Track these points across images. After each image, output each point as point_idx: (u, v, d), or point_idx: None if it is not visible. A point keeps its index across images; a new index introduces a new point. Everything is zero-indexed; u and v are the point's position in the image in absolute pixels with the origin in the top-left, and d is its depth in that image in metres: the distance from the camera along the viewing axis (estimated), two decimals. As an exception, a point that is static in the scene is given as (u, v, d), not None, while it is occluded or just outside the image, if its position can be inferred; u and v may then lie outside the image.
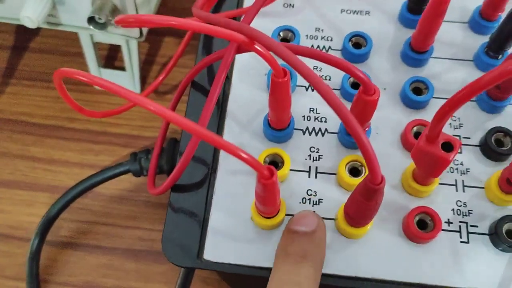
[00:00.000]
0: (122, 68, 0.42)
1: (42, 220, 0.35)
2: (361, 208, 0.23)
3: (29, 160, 0.41)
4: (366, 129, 0.27)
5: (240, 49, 0.24)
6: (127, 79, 0.42)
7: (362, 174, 0.27)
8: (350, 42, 0.30)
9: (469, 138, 0.28)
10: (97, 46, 0.40)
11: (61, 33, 0.42)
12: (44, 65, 0.45)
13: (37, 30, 0.46)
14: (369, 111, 0.25)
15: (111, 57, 0.45)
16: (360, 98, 0.24)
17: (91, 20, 0.32)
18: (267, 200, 0.23)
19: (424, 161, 0.24)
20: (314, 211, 0.26)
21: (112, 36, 0.37)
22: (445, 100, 0.27)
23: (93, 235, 0.38)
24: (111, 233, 0.38)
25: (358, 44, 0.30)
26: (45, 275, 0.37)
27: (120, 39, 0.38)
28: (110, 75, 0.42)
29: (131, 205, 0.39)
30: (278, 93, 0.24)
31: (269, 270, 0.24)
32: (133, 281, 0.36)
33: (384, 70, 0.30)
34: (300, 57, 0.21)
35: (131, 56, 0.40)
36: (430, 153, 0.23)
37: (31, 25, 0.32)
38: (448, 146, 0.23)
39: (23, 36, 0.46)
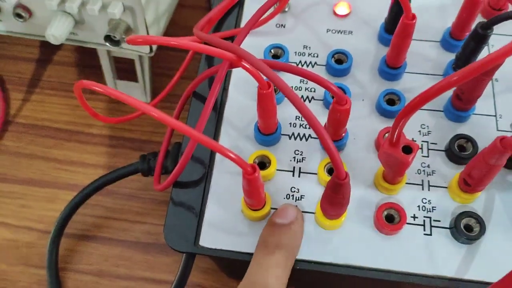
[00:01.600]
0: (135, 80, 0.46)
1: (61, 215, 0.39)
2: (332, 201, 0.27)
3: (50, 161, 0.45)
4: (343, 134, 0.31)
5: (231, 65, 0.28)
6: (139, 90, 0.46)
7: (339, 174, 0.30)
8: (332, 59, 0.34)
9: (436, 143, 0.32)
10: (113, 60, 0.45)
11: (81, 48, 0.46)
12: (65, 76, 0.50)
13: (60, 45, 0.51)
14: (343, 119, 0.29)
15: (126, 70, 0.49)
16: (334, 108, 0.28)
17: (107, 38, 0.36)
18: (252, 193, 0.27)
19: (388, 162, 0.27)
20: (296, 206, 0.30)
21: (126, 51, 0.41)
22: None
23: (106, 228, 0.42)
24: (122, 227, 0.42)
25: (340, 60, 0.34)
26: (63, 263, 0.41)
27: (133, 54, 0.43)
28: (124, 86, 0.47)
29: (140, 203, 0.43)
30: (264, 102, 0.28)
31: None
32: (141, 270, 0.40)
33: (363, 83, 0.34)
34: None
35: (143, 69, 0.44)
36: (392, 155, 0.26)
37: (55, 41, 0.37)
38: (408, 149, 0.26)
39: (48, 50, 0.51)
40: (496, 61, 0.19)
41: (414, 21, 0.29)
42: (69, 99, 0.48)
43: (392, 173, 0.29)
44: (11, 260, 0.41)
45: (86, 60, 0.50)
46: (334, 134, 0.30)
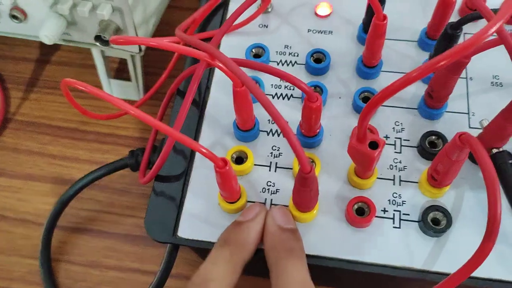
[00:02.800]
0: (129, 79, 0.48)
1: (53, 209, 0.41)
2: (300, 194, 0.28)
3: (46, 157, 0.47)
4: (318, 130, 0.32)
5: (209, 65, 0.30)
6: (132, 88, 0.48)
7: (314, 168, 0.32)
8: (311, 58, 0.35)
9: (408, 140, 0.33)
10: (107, 59, 0.47)
11: (77, 48, 0.48)
12: (62, 75, 0.51)
13: (58, 46, 0.53)
14: (315, 115, 0.30)
15: (120, 69, 0.51)
16: (306, 105, 0.29)
17: (97, 38, 0.38)
18: (224, 186, 0.28)
19: (356, 157, 0.28)
20: (263, 204, 0.31)
21: (118, 51, 0.43)
22: (391, 108, 0.32)
23: (98, 221, 0.44)
24: (113, 220, 0.44)
25: (318, 59, 0.36)
26: (56, 254, 0.43)
27: (125, 54, 0.44)
28: (118, 85, 0.48)
29: (131, 197, 0.45)
30: (239, 100, 0.30)
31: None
32: (130, 262, 0.42)
33: (341, 82, 0.35)
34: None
35: (136, 69, 0.46)
36: (359, 150, 0.27)
37: (48, 41, 0.38)
38: (374, 145, 0.27)
39: (46, 50, 0.53)
40: (450, 58, 0.20)
41: (385, 22, 0.30)
42: (65, 98, 0.50)
43: (361, 168, 0.30)
44: (7, 251, 0.43)
45: (82, 60, 0.52)
46: (308, 130, 0.31)
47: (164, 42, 0.27)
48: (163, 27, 0.47)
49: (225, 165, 0.26)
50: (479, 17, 0.31)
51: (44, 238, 0.41)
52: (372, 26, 0.31)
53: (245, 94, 0.29)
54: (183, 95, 0.36)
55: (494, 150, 0.30)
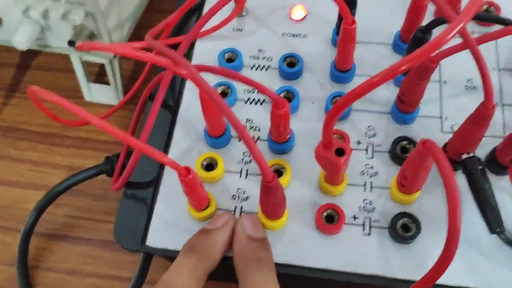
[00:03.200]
0: (108, 83, 0.48)
1: (30, 215, 0.40)
2: (266, 203, 0.28)
3: (26, 163, 0.47)
4: (288, 136, 0.32)
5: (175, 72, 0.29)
6: (112, 92, 0.48)
7: (284, 175, 0.31)
8: (284, 62, 0.35)
9: (381, 145, 0.32)
10: (85, 64, 0.46)
11: (59, 54, 0.48)
12: (43, 80, 0.51)
13: (39, 51, 0.53)
14: (284, 122, 0.30)
15: (101, 73, 0.51)
16: (273, 111, 0.29)
17: (71, 43, 0.38)
18: (189, 194, 0.28)
19: (323, 164, 0.28)
20: (232, 213, 0.31)
21: (96, 56, 0.42)
22: (364, 113, 0.32)
23: (77, 228, 0.44)
24: (92, 227, 0.43)
25: (292, 63, 0.35)
26: (34, 261, 0.42)
27: (103, 59, 0.44)
28: (98, 89, 0.48)
29: (109, 203, 0.44)
30: (206, 106, 0.29)
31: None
32: (108, 268, 0.42)
33: (314, 86, 0.35)
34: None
35: (114, 73, 0.46)
36: (325, 157, 0.27)
37: (20, 47, 0.38)
38: (340, 152, 0.27)
39: (27, 55, 0.53)
40: (411, 63, 0.20)
41: (354, 26, 0.30)
42: (46, 103, 0.50)
43: (329, 175, 0.29)
44: (-15, 258, 0.43)
45: (63, 64, 0.51)
46: (278, 136, 0.31)
47: (130, 50, 0.27)
48: (143, 30, 0.47)
49: (188, 174, 0.26)
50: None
51: (21, 245, 0.41)
52: (341, 31, 0.31)
53: (210, 101, 0.29)
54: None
55: (464, 156, 0.29)
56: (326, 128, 0.26)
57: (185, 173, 0.26)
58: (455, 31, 0.20)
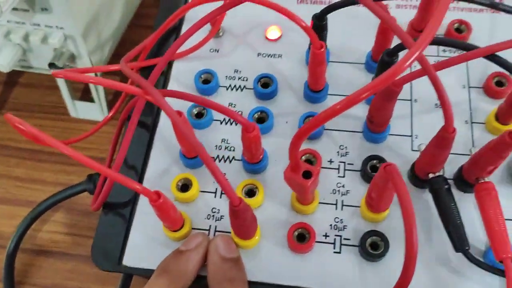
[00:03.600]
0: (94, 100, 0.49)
1: (16, 232, 0.41)
2: (235, 225, 0.28)
3: (12, 179, 0.48)
4: (261, 156, 0.32)
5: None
6: (97, 109, 0.48)
7: (256, 195, 0.32)
8: (259, 83, 0.36)
9: (352, 164, 0.33)
10: (69, 82, 0.47)
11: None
12: (30, 97, 0.52)
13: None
14: (254, 144, 0.30)
15: (86, 89, 0.52)
16: (243, 135, 0.29)
17: (51, 65, 0.38)
18: (162, 217, 0.29)
19: (292, 185, 0.29)
20: (206, 234, 0.31)
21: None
22: (336, 132, 0.32)
23: (62, 243, 0.45)
24: (77, 242, 0.44)
25: (266, 84, 0.36)
26: (20, 277, 0.43)
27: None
28: (83, 106, 0.49)
29: (94, 218, 0.45)
30: (176, 130, 0.30)
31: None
32: (92, 283, 0.43)
33: (289, 106, 0.36)
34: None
35: (98, 90, 0.47)
36: (293, 179, 0.28)
37: (3, 70, 0.39)
38: (308, 174, 0.28)
39: (15, 73, 0.53)
40: (370, 91, 0.20)
41: (322, 50, 0.31)
42: (33, 119, 0.51)
43: (299, 196, 0.30)
44: (-28, 274, 0.44)
45: (50, 82, 0.52)
46: (251, 158, 0.32)
47: (100, 78, 0.28)
48: (128, 46, 0.47)
49: (158, 198, 0.27)
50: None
51: (7, 261, 0.42)
52: (310, 55, 0.31)
53: (182, 124, 0.30)
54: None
55: (431, 175, 0.30)
56: (292, 153, 0.26)
57: (155, 198, 0.27)
58: (412, 59, 0.20)
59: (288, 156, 0.27)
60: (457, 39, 0.29)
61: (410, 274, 0.23)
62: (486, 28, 0.38)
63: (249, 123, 0.29)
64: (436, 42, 0.29)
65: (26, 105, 0.52)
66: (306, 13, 0.33)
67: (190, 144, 0.25)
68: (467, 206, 0.31)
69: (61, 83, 0.47)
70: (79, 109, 0.49)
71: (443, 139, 0.27)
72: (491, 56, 0.26)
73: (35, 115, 0.51)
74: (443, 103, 0.26)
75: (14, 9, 0.36)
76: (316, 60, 0.31)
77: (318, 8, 0.33)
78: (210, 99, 0.36)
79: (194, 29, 0.33)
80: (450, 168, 0.32)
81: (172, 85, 0.37)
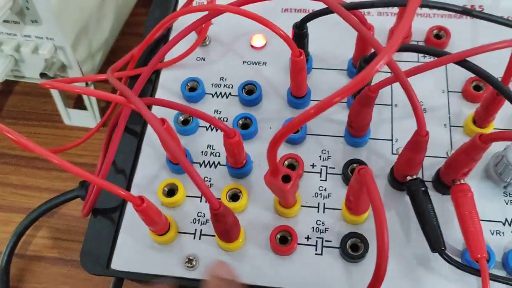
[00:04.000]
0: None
1: (10, 238, 0.42)
2: (217, 228, 0.29)
3: (7, 186, 0.49)
4: (244, 161, 0.33)
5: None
6: (89, 116, 0.50)
7: (240, 199, 0.33)
8: (243, 90, 0.37)
9: (334, 168, 0.34)
10: (63, 91, 0.48)
11: (38, 79, 0.50)
12: (25, 105, 0.53)
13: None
14: (237, 149, 0.31)
15: (80, 97, 0.53)
16: (225, 141, 0.30)
17: (43, 75, 0.40)
18: (147, 221, 0.30)
19: (273, 189, 0.30)
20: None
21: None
22: (319, 136, 0.33)
23: (56, 249, 0.45)
24: (71, 247, 0.45)
25: (250, 91, 0.37)
26: (16, 282, 0.44)
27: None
28: (76, 114, 0.50)
29: (87, 223, 0.46)
30: (160, 137, 0.31)
31: (161, 277, 0.31)
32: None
33: (273, 112, 0.37)
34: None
35: (90, 99, 0.48)
36: (273, 183, 0.29)
37: (-4, 80, 0.40)
38: (287, 178, 0.29)
39: (11, 82, 0.55)
40: (342, 96, 0.21)
41: (301, 57, 0.32)
42: (28, 127, 0.52)
43: (280, 199, 0.31)
44: (-32, 280, 0.45)
45: (43, 90, 0.53)
46: (234, 162, 0.33)
47: (87, 88, 0.29)
48: (121, 54, 0.49)
49: (142, 203, 0.28)
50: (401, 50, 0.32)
51: (3, 266, 0.43)
52: (290, 62, 0.32)
53: (167, 131, 0.31)
54: (126, 129, 0.37)
55: (408, 178, 0.31)
56: (270, 158, 0.27)
57: (138, 203, 0.28)
58: (380, 63, 0.21)
59: (267, 162, 0.28)
60: (428, 46, 0.30)
61: (382, 275, 0.24)
62: (465, 34, 0.38)
63: (230, 129, 0.30)
64: (408, 49, 0.29)
65: (22, 113, 0.53)
66: (290, 22, 0.34)
67: (169, 150, 0.26)
68: (446, 207, 0.32)
69: (54, 91, 0.48)
70: (72, 117, 0.50)
71: (417, 143, 0.28)
72: (462, 62, 0.27)
73: (30, 123, 0.52)
74: (415, 107, 0.27)
75: (5, 21, 0.37)
76: (296, 67, 0.32)
77: (301, 16, 0.34)
78: (196, 106, 0.37)
79: (177, 39, 0.34)
80: (430, 170, 0.33)
81: (160, 93, 0.38)
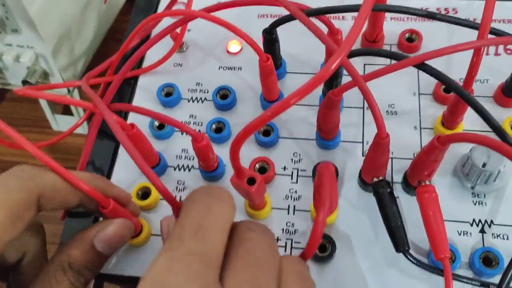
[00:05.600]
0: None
1: None
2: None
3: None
4: (215, 164, 0.34)
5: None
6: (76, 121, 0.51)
7: (212, 202, 0.34)
8: (218, 95, 0.37)
9: (305, 170, 0.35)
10: (49, 97, 0.50)
11: (25, 86, 0.51)
12: (16, 112, 0.55)
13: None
14: (205, 153, 0.32)
15: (67, 105, 0.54)
16: (194, 145, 0.31)
17: (25, 82, 0.41)
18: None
19: (240, 191, 0.30)
20: None
21: (55, 90, 0.45)
22: (291, 139, 0.34)
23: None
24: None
25: (225, 95, 0.38)
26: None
27: (63, 91, 0.47)
28: (64, 120, 0.51)
29: (73, 228, 0.47)
30: (134, 142, 0.32)
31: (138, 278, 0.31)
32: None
33: (246, 116, 0.37)
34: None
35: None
36: (239, 186, 0.29)
37: (-20, 88, 0.41)
38: (251, 181, 0.29)
39: (1, 90, 0.56)
40: (298, 97, 0.22)
41: (269, 62, 0.32)
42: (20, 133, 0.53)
43: (248, 201, 0.32)
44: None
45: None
46: (205, 166, 0.34)
47: (60, 96, 0.30)
48: (105, 59, 0.50)
49: (109, 206, 0.28)
50: (359, 53, 0.33)
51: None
52: (259, 68, 0.33)
53: (135, 137, 0.32)
54: (104, 133, 0.38)
55: (375, 179, 0.31)
56: (232, 161, 0.28)
57: (108, 204, 0.28)
58: (334, 65, 0.22)
59: (231, 164, 0.28)
60: (385, 49, 0.30)
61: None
62: (439, 36, 0.39)
63: (198, 134, 0.31)
64: (374, 53, 0.30)
65: (12, 119, 0.54)
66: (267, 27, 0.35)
67: (129, 155, 0.26)
68: (414, 208, 0.32)
69: (41, 99, 0.49)
70: (60, 123, 0.51)
71: (378, 145, 0.29)
72: (421, 65, 0.28)
73: (20, 128, 0.53)
74: (373, 111, 0.27)
75: (-13, 30, 0.38)
76: (265, 72, 0.33)
77: None
78: (172, 111, 0.38)
79: (149, 44, 0.35)
80: (400, 172, 0.34)
81: (137, 98, 0.39)
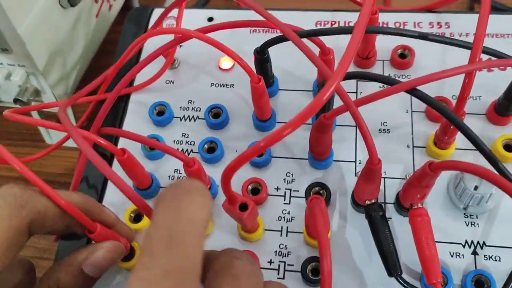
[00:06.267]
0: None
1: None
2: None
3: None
4: (208, 186, 0.34)
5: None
6: (70, 136, 0.50)
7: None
8: (210, 113, 0.37)
9: (298, 191, 0.35)
10: (42, 112, 0.49)
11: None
12: (9, 125, 0.54)
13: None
14: (198, 176, 0.32)
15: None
16: (185, 170, 0.31)
17: (16, 100, 0.40)
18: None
19: (232, 216, 0.30)
20: None
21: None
22: (284, 159, 0.34)
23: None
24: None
25: (217, 114, 0.37)
26: (-3, 302, 0.45)
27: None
28: (57, 134, 0.51)
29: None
30: (124, 167, 0.32)
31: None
32: (65, 307, 0.44)
33: (239, 135, 0.37)
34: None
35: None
36: (231, 212, 0.29)
37: (-29, 106, 0.41)
38: (244, 207, 0.29)
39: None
40: (292, 128, 0.22)
41: (260, 84, 0.32)
42: (12, 147, 0.51)
43: (240, 225, 0.31)
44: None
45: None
46: (197, 188, 0.33)
47: (39, 120, 0.30)
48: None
49: (95, 230, 0.28)
50: (352, 77, 0.32)
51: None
52: (251, 89, 0.33)
53: (128, 161, 0.31)
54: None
55: (367, 202, 0.31)
56: (224, 188, 0.28)
57: (94, 229, 0.28)
58: (328, 93, 0.22)
59: (223, 192, 0.28)
60: (377, 74, 0.30)
61: None
62: (431, 53, 0.39)
63: (189, 158, 0.30)
64: (367, 77, 0.30)
65: (6, 133, 0.54)
66: (259, 42, 0.34)
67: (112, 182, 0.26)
68: (407, 229, 0.32)
69: (34, 112, 0.49)
70: (53, 136, 0.51)
71: (370, 171, 0.29)
72: (412, 90, 0.27)
73: (14, 142, 0.53)
74: (365, 137, 0.27)
75: (-22, 49, 0.38)
76: (257, 93, 0.33)
77: (269, 37, 0.34)
78: (164, 130, 0.38)
79: (143, 64, 0.35)
80: (392, 191, 0.34)
81: (129, 117, 0.39)
